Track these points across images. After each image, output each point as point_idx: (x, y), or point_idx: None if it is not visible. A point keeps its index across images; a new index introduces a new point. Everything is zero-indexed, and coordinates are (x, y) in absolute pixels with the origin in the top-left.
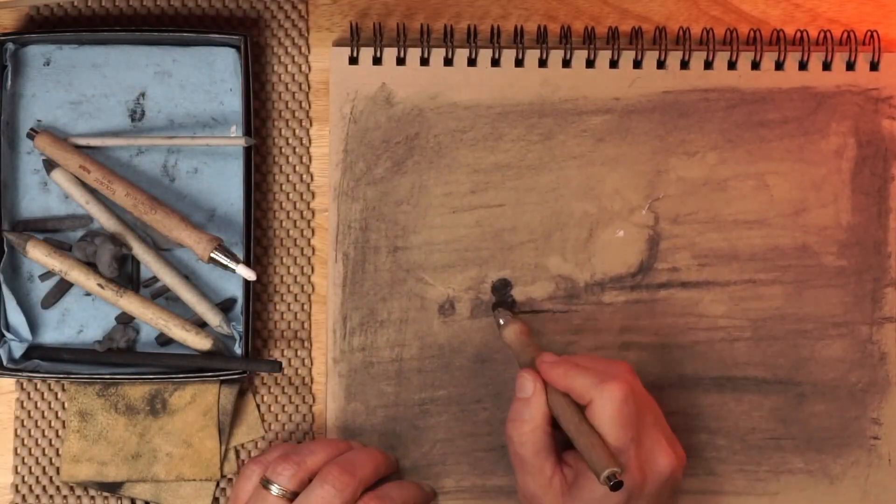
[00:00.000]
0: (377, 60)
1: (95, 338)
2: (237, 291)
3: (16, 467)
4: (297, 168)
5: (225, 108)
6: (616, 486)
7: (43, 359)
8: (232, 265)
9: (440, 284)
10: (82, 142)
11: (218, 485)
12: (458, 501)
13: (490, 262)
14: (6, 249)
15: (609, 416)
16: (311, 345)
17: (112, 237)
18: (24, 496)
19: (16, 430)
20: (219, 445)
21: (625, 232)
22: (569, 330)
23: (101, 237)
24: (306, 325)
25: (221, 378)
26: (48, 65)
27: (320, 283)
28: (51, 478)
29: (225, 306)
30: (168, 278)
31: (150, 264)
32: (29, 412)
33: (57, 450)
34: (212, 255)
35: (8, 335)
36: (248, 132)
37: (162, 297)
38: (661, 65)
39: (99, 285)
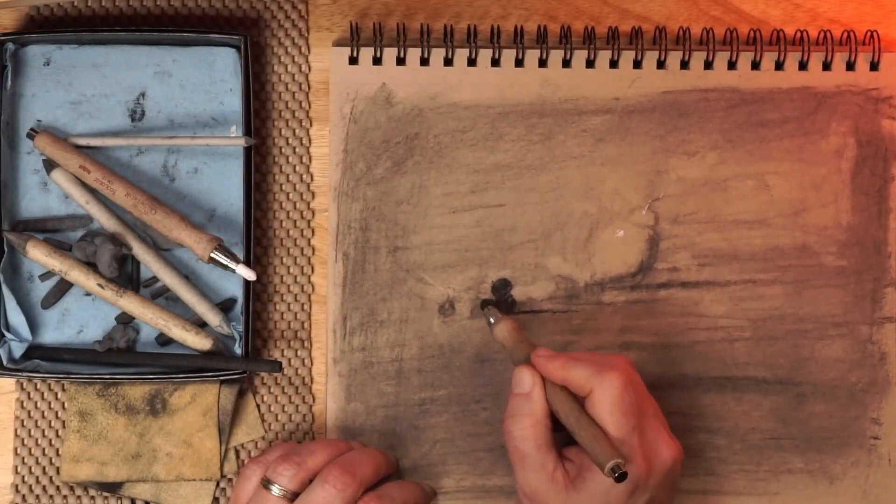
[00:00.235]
0: (377, 60)
1: (95, 338)
2: (237, 291)
3: (16, 467)
4: (297, 168)
5: (225, 108)
6: (621, 477)
7: (43, 359)
8: (232, 265)
9: (440, 284)
10: (82, 142)
11: (218, 485)
12: (458, 501)
13: (490, 262)
14: (6, 249)
15: (610, 405)
16: (311, 345)
17: (112, 237)
18: (24, 496)
19: (16, 430)
20: (219, 445)
21: (625, 232)
22: (569, 330)
23: (101, 237)
24: (306, 325)
25: (221, 378)
26: (48, 65)
27: (320, 283)
28: (51, 478)
29: (225, 306)
30: (168, 278)
31: (150, 264)
32: (29, 412)
33: (57, 450)
34: (212, 255)
35: (8, 335)
36: (248, 132)
37: (162, 297)
38: (661, 65)
39: (99, 285)
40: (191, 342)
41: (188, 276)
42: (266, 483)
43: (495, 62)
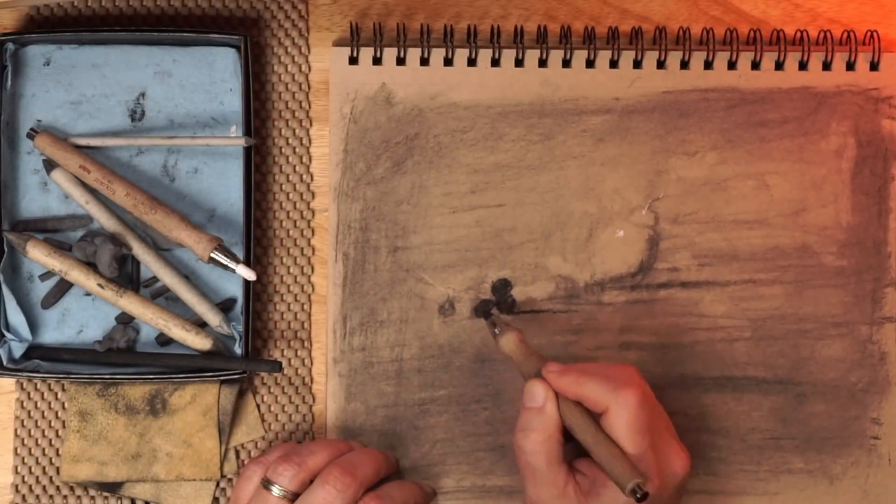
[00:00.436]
0: (377, 60)
1: (95, 338)
2: (237, 291)
3: (16, 467)
4: (297, 168)
5: (225, 108)
6: (643, 497)
7: (43, 359)
8: (232, 265)
9: (440, 284)
10: (82, 142)
11: (218, 485)
12: (458, 501)
13: (490, 262)
14: (6, 249)
15: (627, 423)
16: (311, 345)
17: (112, 237)
18: (24, 496)
19: (16, 430)
20: (219, 445)
21: (625, 232)
22: (569, 330)
23: (101, 237)
24: (306, 325)
25: (221, 378)
26: (48, 65)
27: (320, 283)
28: (51, 478)
29: (225, 306)
30: (168, 278)
31: (150, 264)
32: (29, 412)
33: (57, 450)
34: (212, 255)
35: (8, 335)
36: (248, 132)
37: (162, 297)
38: (660, 65)
39: (99, 285)
40: (191, 342)
41: (188, 276)
42: (266, 483)
43: (495, 62)
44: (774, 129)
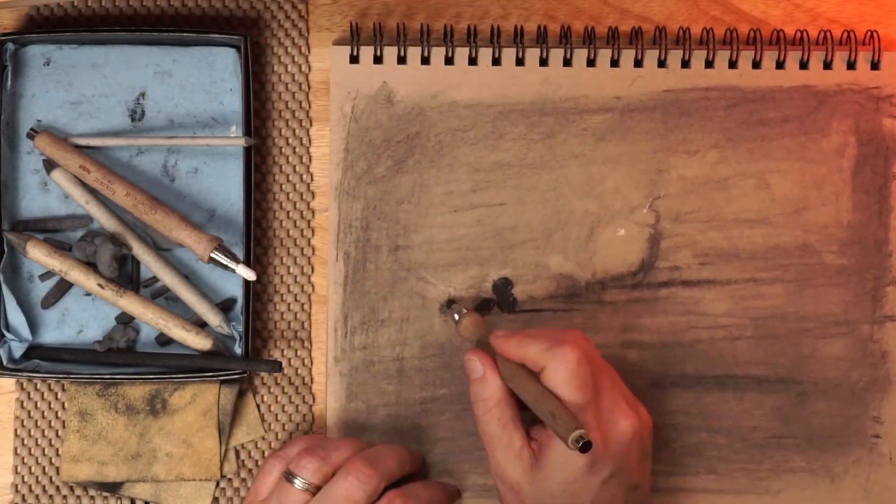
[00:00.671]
0: (378, 59)
1: (95, 338)
2: (237, 291)
3: (16, 467)
4: (297, 168)
5: (225, 108)
6: (585, 447)
7: (43, 359)
8: (232, 265)
9: (441, 283)
10: (82, 142)
11: (218, 485)
12: (459, 500)
13: (491, 261)
14: (6, 249)
15: (563, 379)
16: (311, 345)
17: (112, 237)
18: (24, 496)
19: (16, 430)
20: (219, 445)
21: (626, 231)
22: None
23: (101, 237)
24: (306, 325)
25: (221, 378)
26: (48, 65)
27: (320, 283)
28: (51, 478)
29: (225, 306)
30: (168, 278)
31: (150, 264)
32: (29, 412)
33: (57, 450)
34: (212, 255)
35: (8, 335)
36: (248, 132)
37: (162, 297)
38: (661, 64)
39: (99, 285)
40: (191, 342)
41: (188, 276)
42: (289, 476)
43: (496, 61)
44: (775, 128)
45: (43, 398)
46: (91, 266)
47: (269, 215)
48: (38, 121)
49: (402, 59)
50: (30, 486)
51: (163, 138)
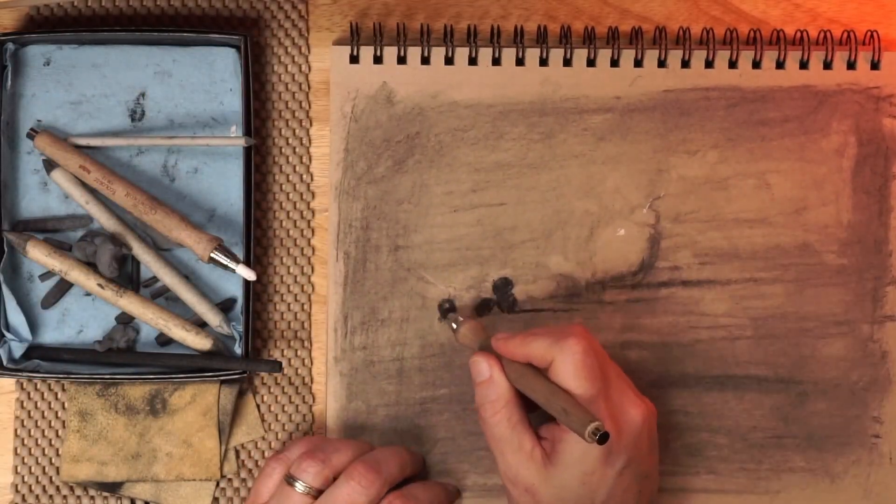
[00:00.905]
0: (378, 59)
1: (95, 338)
2: (237, 291)
3: (16, 467)
4: (297, 168)
5: (225, 108)
6: (602, 438)
7: (43, 359)
8: (232, 265)
9: (441, 283)
10: (82, 142)
11: (218, 485)
12: (459, 500)
13: (491, 261)
14: (6, 249)
15: (573, 371)
16: (311, 345)
17: (112, 237)
18: (23, 496)
19: (16, 430)
20: (219, 445)
21: (626, 230)
22: None
23: (101, 237)
24: (306, 325)
25: (221, 378)
26: (48, 65)
27: (320, 283)
28: (51, 478)
29: (225, 306)
30: (168, 278)
31: (150, 264)
32: (29, 412)
33: (57, 450)
34: (212, 255)
35: (8, 335)
36: (248, 132)
37: (162, 297)
38: (661, 63)
39: (99, 285)
40: (191, 342)
41: (188, 276)
42: (290, 479)
43: (496, 61)
44: (775, 128)
45: (43, 398)
46: (91, 266)
47: (269, 215)
48: (38, 121)
49: (402, 59)
50: (30, 486)
51: (163, 138)
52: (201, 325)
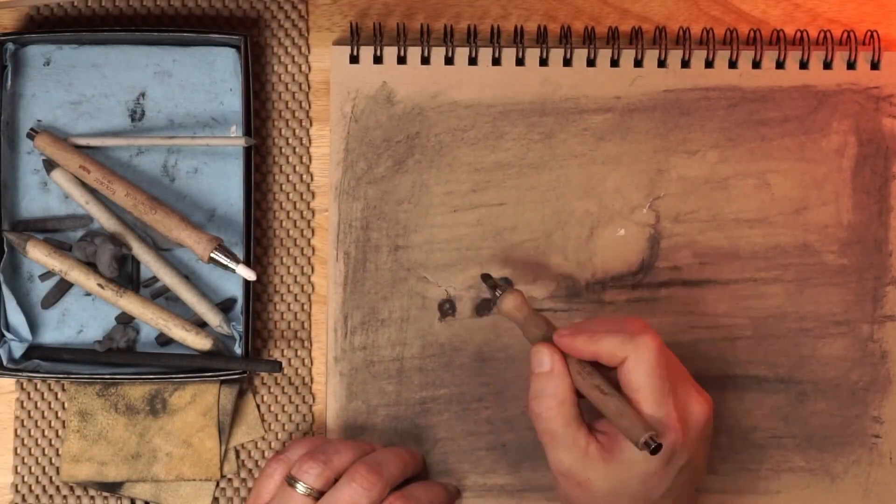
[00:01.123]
0: (378, 59)
1: (95, 338)
2: (237, 291)
3: (16, 467)
4: (297, 168)
5: (225, 108)
6: (655, 449)
7: (43, 359)
8: (232, 265)
9: (441, 283)
10: (82, 142)
11: (218, 485)
12: (459, 500)
13: (491, 261)
14: (6, 249)
15: (647, 370)
16: (311, 345)
17: (112, 237)
18: (24, 496)
19: (16, 430)
20: (219, 445)
21: (626, 231)
22: None
23: (101, 237)
24: (306, 325)
25: (221, 378)
26: (48, 65)
27: (320, 283)
28: (51, 478)
29: (225, 306)
30: (168, 278)
31: (150, 264)
32: (29, 412)
33: (57, 450)
34: (212, 255)
35: (8, 335)
36: (248, 132)
37: (162, 297)
38: (661, 63)
39: (99, 285)
40: (191, 342)
41: (188, 276)
42: (291, 481)
43: (496, 61)
44: (775, 128)
45: (43, 398)
46: (91, 266)
47: (269, 215)
48: (38, 121)
49: (402, 59)
50: (30, 486)
51: (163, 138)
52: (201, 325)
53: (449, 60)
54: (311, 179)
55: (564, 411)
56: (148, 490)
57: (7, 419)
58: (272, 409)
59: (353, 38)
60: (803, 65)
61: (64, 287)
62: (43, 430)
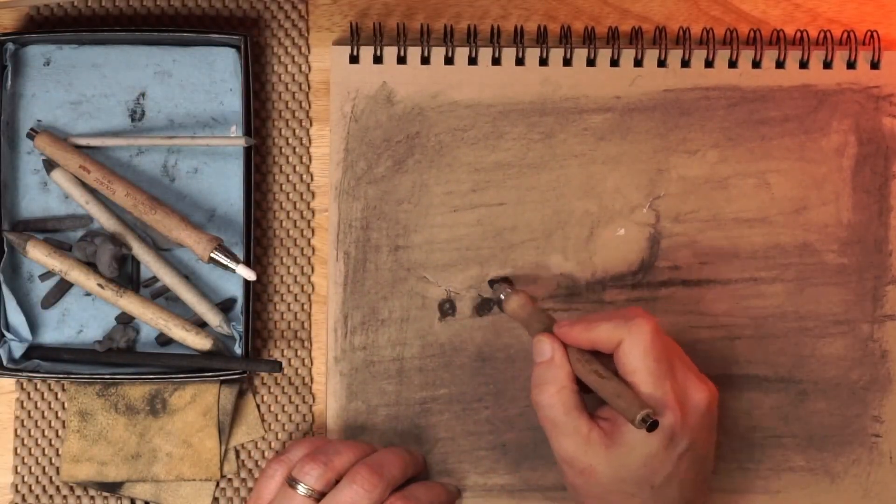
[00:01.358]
0: (378, 59)
1: (95, 338)
2: (237, 291)
3: (16, 467)
4: (297, 168)
5: (225, 108)
6: (652, 426)
7: (43, 359)
8: (232, 265)
9: (441, 283)
10: (82, 142)
11: (218, 485)
12: (459, 500)
13: (491, 261)
14: (6, 249)
15: (642, 351)
16: (311, 345)
17: (112, 237)
18: (24, 496)
19: (16, 430)
20: (219, 445)
21: (626, 230)
22: None
23: (101, 237)
24: (306, 325)
25: (221, 378)
26: (48, 65)
27: (320, 283)
28: (51, 478)
29: (225, 306)
30: (168, 278)
31: (150, 264)
32: (29, 412)
33: (57, 450)
34: (212, 255)
35: (8, 335)
36: (248, 132)
37: (162, 297)
38: (661, 63)
39: (99, 285)
40: (191, 342)
41: (188, 276)
42: (292, 482)
43: (496, 61)
44: (775, 128)
45: (43, 398)
46: (91, 266)
47: (269, 215)
48: (38, 121)
49: (402, 59)
50: (30, 486)
51: (163, 138)
52: (201, 325)
53: (449, 60)
54: (311, 179)
55: (565, 398)
56: (148, 490)
57: (7, 419)
58: (272, 409)
59: (353, 38)
60: (803, 64)
61: (64, 287)
62: (43, 430)
